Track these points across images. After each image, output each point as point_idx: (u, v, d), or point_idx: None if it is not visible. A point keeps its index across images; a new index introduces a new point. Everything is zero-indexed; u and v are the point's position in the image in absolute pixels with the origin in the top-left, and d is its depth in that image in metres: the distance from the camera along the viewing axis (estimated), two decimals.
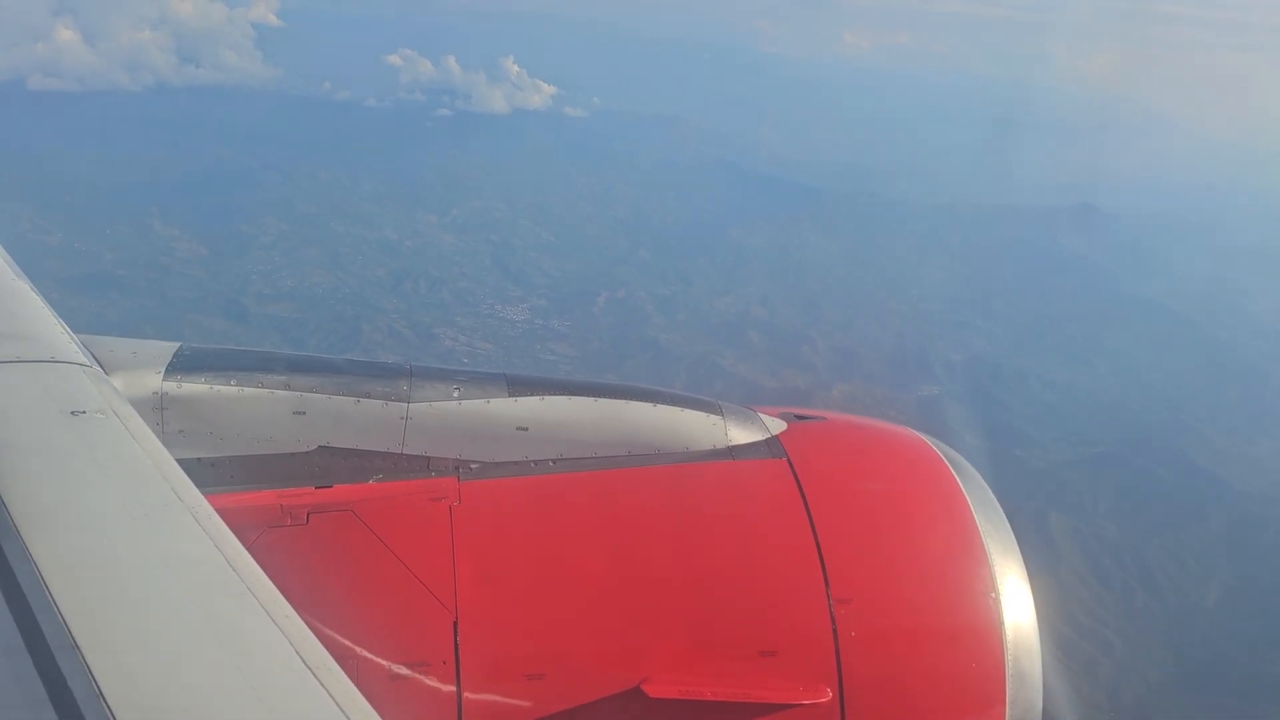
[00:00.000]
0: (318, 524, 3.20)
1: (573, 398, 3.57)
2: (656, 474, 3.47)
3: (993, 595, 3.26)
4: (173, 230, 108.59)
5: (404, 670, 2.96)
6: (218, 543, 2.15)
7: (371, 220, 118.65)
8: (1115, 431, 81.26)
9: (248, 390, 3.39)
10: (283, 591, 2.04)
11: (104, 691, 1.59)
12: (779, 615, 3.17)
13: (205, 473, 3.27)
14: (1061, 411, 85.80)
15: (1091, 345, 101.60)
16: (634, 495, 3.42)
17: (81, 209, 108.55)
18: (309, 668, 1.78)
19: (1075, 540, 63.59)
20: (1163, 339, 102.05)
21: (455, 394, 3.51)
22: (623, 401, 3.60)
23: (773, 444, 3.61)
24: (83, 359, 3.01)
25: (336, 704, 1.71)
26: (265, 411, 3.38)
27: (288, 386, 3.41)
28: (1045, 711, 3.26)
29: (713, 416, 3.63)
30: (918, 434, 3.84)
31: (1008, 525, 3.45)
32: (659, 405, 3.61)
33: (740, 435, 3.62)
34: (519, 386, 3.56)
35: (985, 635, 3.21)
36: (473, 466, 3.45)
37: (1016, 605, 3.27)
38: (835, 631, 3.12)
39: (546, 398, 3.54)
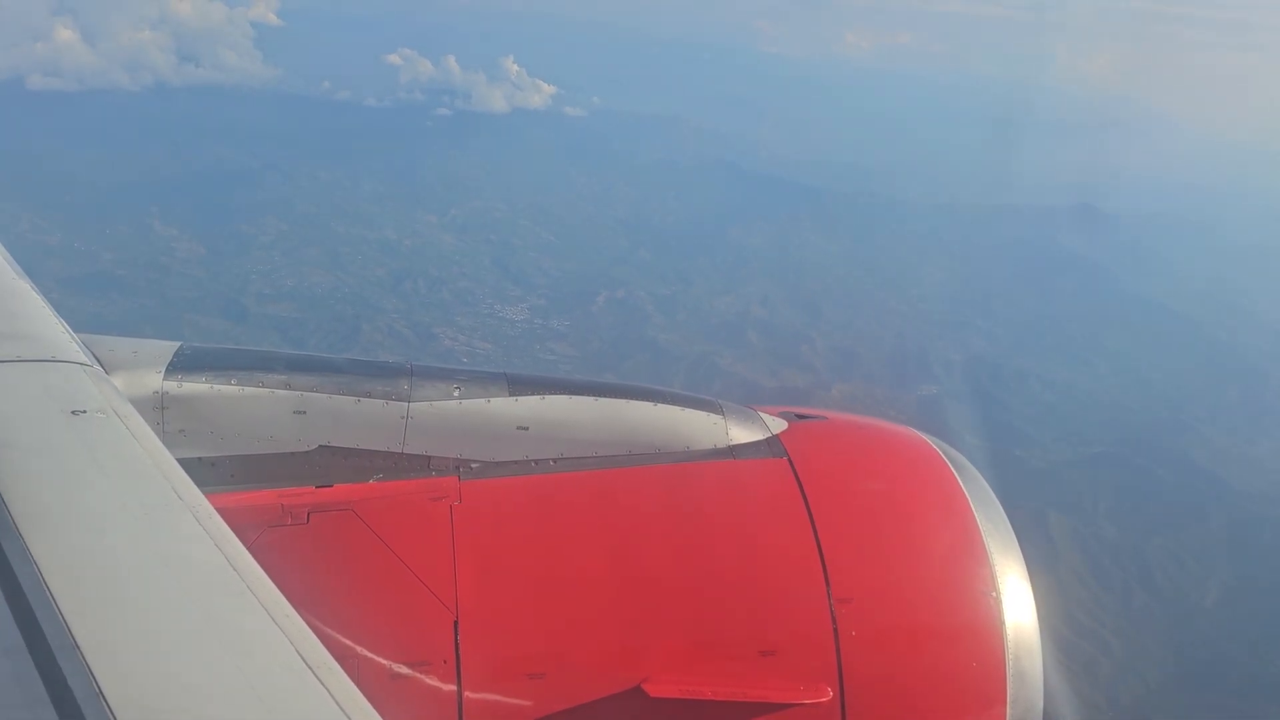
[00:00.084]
0: (318, 523, 3.20)
1: (573, 397, 3.56)
2: (657, 473, 3.47)
3: (993, 594, 3.26)
4: (172, 230, 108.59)
5: (405, 670, 2.96)
6: (218, 542, 2.14)
7: (371, 220, 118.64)
8: (1115, 431, 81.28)
9: (248, 390, 3.38)
10: (283, 591, 2.04)
11: (104, 691, 1.58)
12: (779, 614, 3.17)
13: (206, 472, 3.27)
14: (1061, 411, 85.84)
15: (1091, 345, 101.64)
16: (635, 495, 3.42)
17: (81, 209, 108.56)
18: (309, 667, 1.78)
19: (1075, 540, 63.62)
20: (1163, 339, 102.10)
21: (456, 393, 3.50)
22: (623, 401, 3.59)
23: (773, 443, 3.61)
24: (83, 358, 3.00)
25: (337, 704, 1.70)
26: (266, 411, 3.37)
27: (288, 386, 3.41)
28: (1046, 711, 3.26)
29: (713, 416, 3.63)
30: (918, 433, 3.83)
31: (1008, 524, 3.45)
32: (660, 405, 3.61)
33: (741, 435, 3.62)
34: (520, 386, 3.56)
35: (986, 634, 3.21)
36: (473, 466, 3.45)
37: (1017, 605, 3.27)
38: (836, 631, 3.12)
39: (547, 397, 3.54)
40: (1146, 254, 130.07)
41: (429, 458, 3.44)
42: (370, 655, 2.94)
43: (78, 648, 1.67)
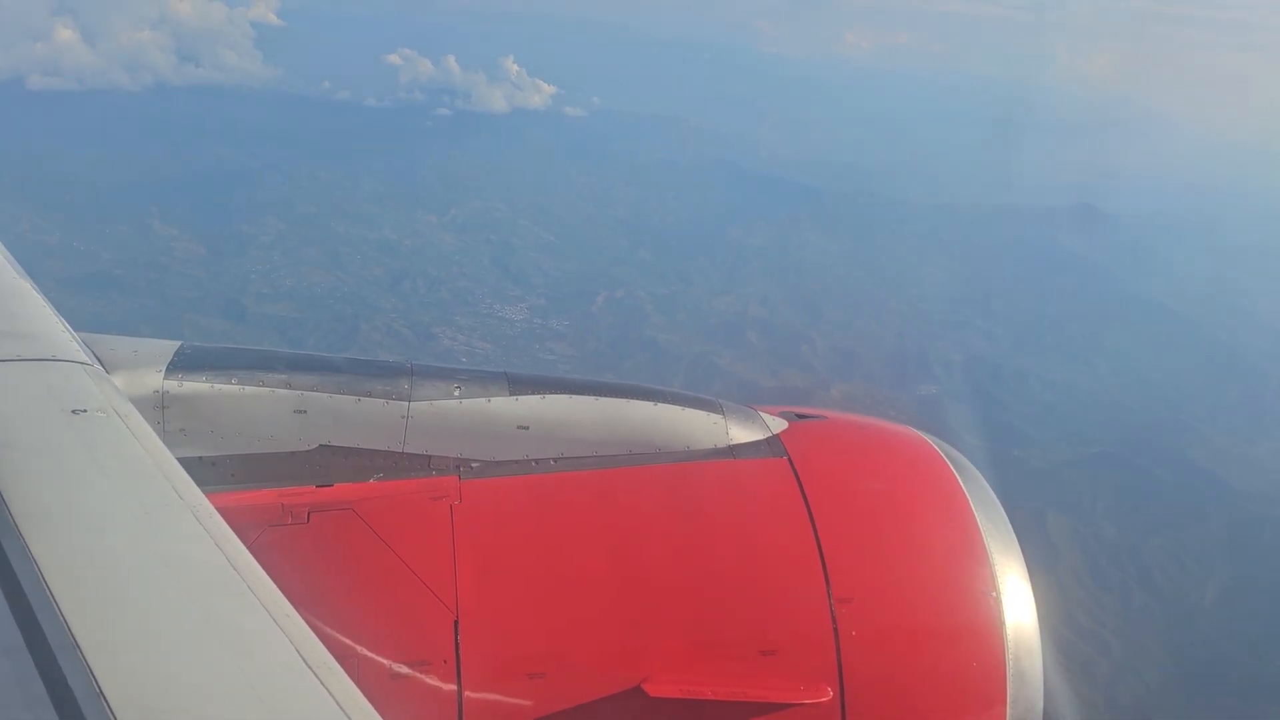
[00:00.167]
0: (319, 523, 3.20)
1: (574, 396, 3.56)
2: (657, 473, 3.47)
3: (994, 594, 3.25)
4: (172, 230, 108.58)
5: (405, 669, 2.95)
6: (218, 542, 2.14)
7: (371, 220, 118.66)
8: (1114, 431, 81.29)
9: (249, 389, 3.38)
10: (283, 590, 2.03)
11: (104, 691, 1.58)
12: (780, 614, 3.17)
13: (206, 471, 3.27)
14: (1061, 411, 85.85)
15: (1091, 345, 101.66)
16: (635, 494, 3.42)
17: (80, 208, 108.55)
18: (310, 667, 1.78)
19: (1074, 540, 63.62)
20: (1162, 339, 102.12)
21: (456, 393, 3.50)
22: (624, 400, 3.59)
23: (774, 443, 3.61)
24: (84, 358, 3.00)
25: (337, 703, 1.70)
26: (266, 410, 3.37)
27: (289, 385, 3.41)
28: (1046, 711, 3.26)
29: (714, 415, 3.63)
30: (919, 433, 3.83)
31: (1009, 524, 3.45)
32: (660, 404, 3.61)
33: (741, 434, 3.62)
34: (520, 385, 3.56)
35: (986, 634, 3.21)
36: (474, 465, 3.45)
37: (1017, 604, 3.26)
38: (836, 631, 3.11)
39: (547, 396, 3.54)
40: (1146, 254, 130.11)
41: (429, 457, 3.43)
42: (370, 655, 2.94)
43: (78, 647, 1.67)
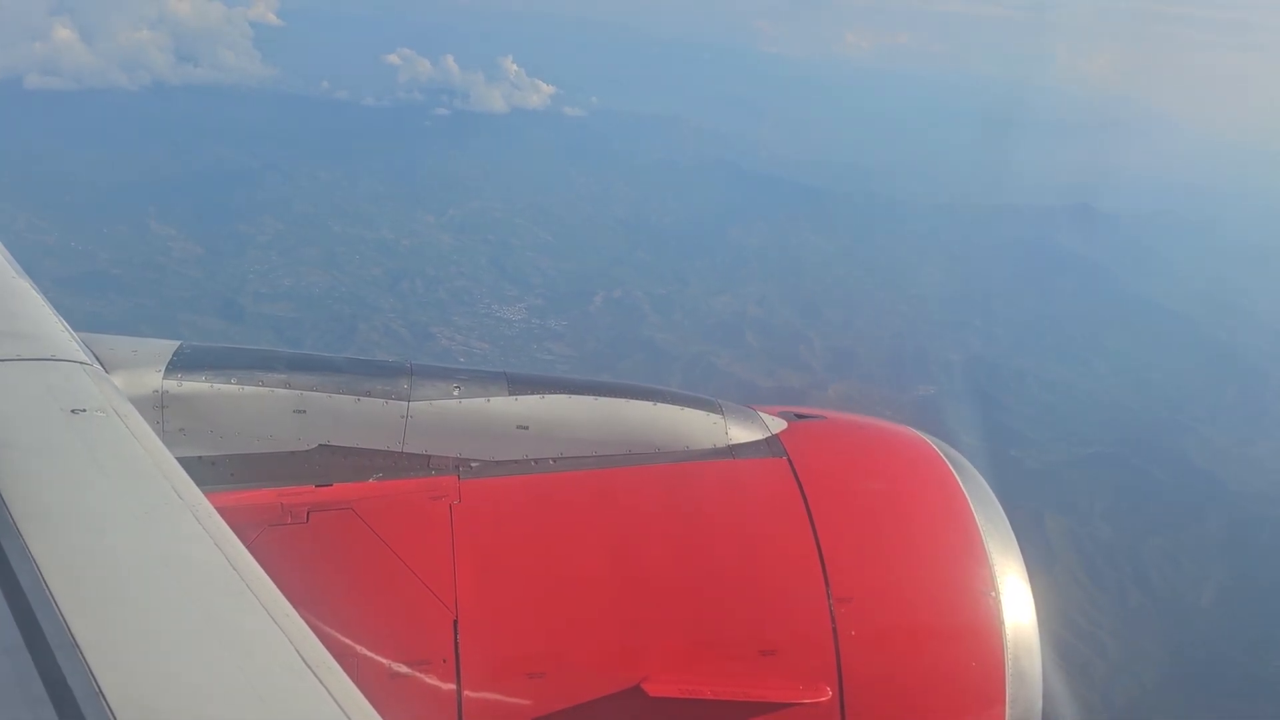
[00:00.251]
0: (318, 522, 3.19)
1: (573, 396, 3.56)
2: (657, 473, 3.47)
3: (993, 594, 3.26)
4: (169, 230, 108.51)
5: (404, 669, 2.95)
6: (218, 541, 2.14)
7: (369, 220, 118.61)
8: (1112, 432, 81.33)
9: (248, 389, 3.38)
10: (283, 590, 2.03)
11: (104, 690, 1.58)
12: (779, 614, 3.17)
13: (205, 471, 3.26)
14: (1058, 411, 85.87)
15: (1090, 345, 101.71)
16: (634, 494, 3.42)
17: (78, 208, 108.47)
18: (309, 667, 1.77)
19: (1071, 541, 63.63)
20: (1161, 339, 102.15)
21: (455, 392, 3.50)
22: (623, 400, 3.59)
23: (773, 443, 3.61)
24: (83, 357, 3.00)
25: (336, 703, 1.70)
26: (266, 410, 3.37)
27: (288, 385, 3.40)
28: (1045, 711, 3.26)
29: (713, 415, 3.63)
30: (918, 433, 3.83)
31: (1008, 524, 3.45)
32: (659, 404, 3.61)
33: (740, 434, 3.62)
34: (519, 385, 3.56)
35: (985, 634, 3.21)
36: (473, 465, 3.45)
37: (1016, 604, 3.27)
38: (835, 630, 3.12)
39: (547, 396, 3.54)
40: (1145, 254, 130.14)
41: (429, 457, 3.43)
42: (370, 654, 2.94)
43: (77, 647, 1.66)
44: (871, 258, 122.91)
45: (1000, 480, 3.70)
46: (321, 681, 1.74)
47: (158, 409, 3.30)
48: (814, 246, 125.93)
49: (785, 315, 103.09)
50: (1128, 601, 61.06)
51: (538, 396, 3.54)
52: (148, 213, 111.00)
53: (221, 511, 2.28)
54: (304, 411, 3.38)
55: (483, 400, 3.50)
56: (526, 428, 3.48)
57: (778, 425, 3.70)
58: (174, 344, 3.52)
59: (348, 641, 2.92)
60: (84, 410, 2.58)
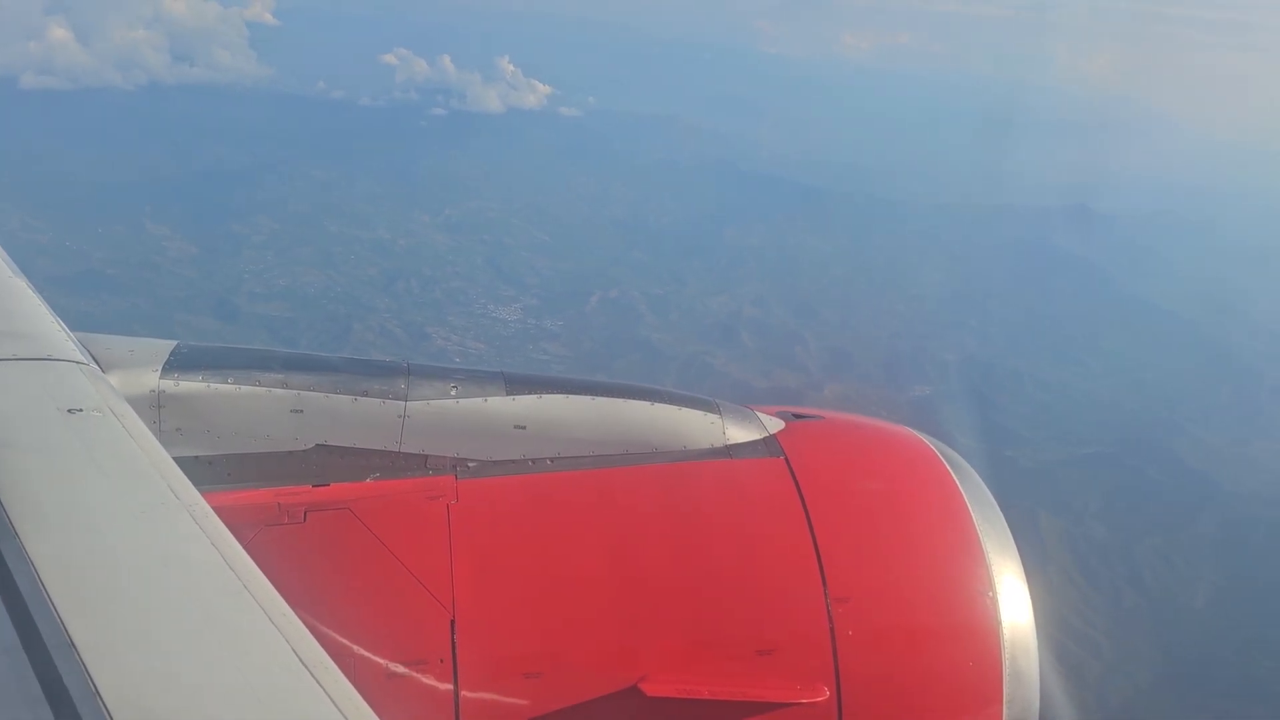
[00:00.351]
0: (315, 522, 3.19)
1: (570, 396, 3.56)
2: (654, 472, 3.47)
3: (990, 594, 3.26)
4: (164, 229, 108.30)
5: (401, 669, 2.95)
6: (215, 541, 2.14)
7: (365, 220, 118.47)
8: (1107, 432, 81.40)
9: (245, 388, 3.37)
10: (280, 590, 2.03)
11: (101, 690, 1.58)
12: (776, 614, 3.17)
13: (202, 471, 3.26)
14: (1054, 412, 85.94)
15: (1085, 345, 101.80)
16: (632, 494, 3.42)
17: (73, 207, 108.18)
18: (306, 667, 1.77)
19: (1065, 541, 63.71)
20: (1157, 339, 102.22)
21: (453, 392, 3.50)
22: (620, 400, 3.59)
23: (770, 443, 3.61)
24: (80, 357, 3.00)
25: (333, 703, 1.70)
26: (263, 410, 3.37)
27: (285, 385, 3.40)
28: (1042, 711, 3.27)
29: (710, 415, 3.63)
30: (915, 433, 3.83)
31: (1005, 524, 3.45)
32: (657, 404, 3.61)
33: (738, 434, 3.61)
34: (517, 385, 3.56)
35: (982, 634, 3.22)
36: (470, 465, 3.44)
37: (1014, 604, 3.27)
38: (833, 630, 3.12)
39: (544, 396, 3.54)
40: (1142, 254, 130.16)
41: (426, 457, 3.43)
42: (367, 654, 2.94)
43: (74, 647, 1.67)
44: (869, 258, 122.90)
45: (995, 480, 3.70)
46: (318, 681, 1.74)
47: (154, 409, 3.30)
48: (811, 247, 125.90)
49: (782, 316, 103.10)
50: (1122, 601, 61.14)
51: (535, 396, 3.54)
52: (143, 212, 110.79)
53: (218, 511, 2.28)
54: (301, 411, 3.38)
55: (480, 400, 3.49)
56: (524, 428, 3.48)
57: (775, 425, 3.70)
58: (170, 344, 3.52)
59: (345, 641, 2.91)
60: (81, 410, 2.58)
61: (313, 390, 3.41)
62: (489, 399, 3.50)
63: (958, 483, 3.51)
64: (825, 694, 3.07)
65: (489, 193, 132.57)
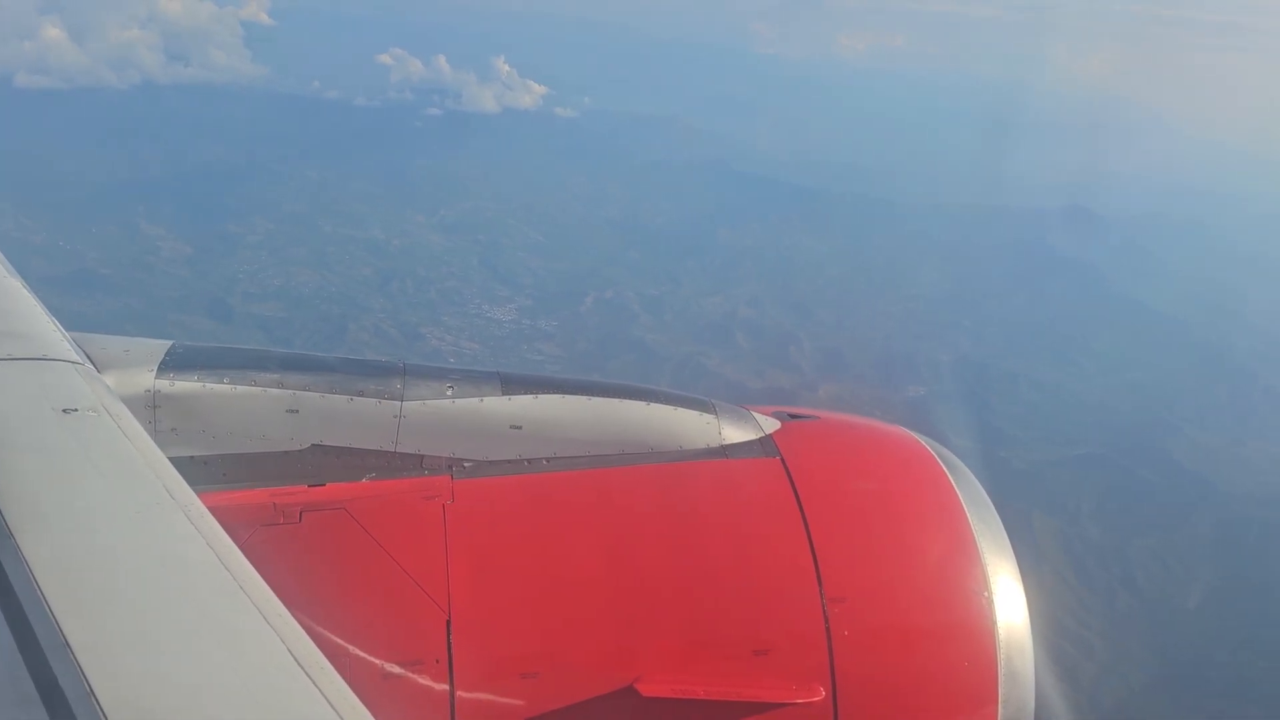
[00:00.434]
0: (311, 522, 3.18)
1: (566, 396, 3.56)
2: (650, 472, 3.46)
3: (986, 594, 3.26)
4: (158, 229, 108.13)
5: (397, 669, 2.95)
6: (210, 541, 2.13)
7: (359, 220, 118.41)
8: (1101, 433, 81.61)
9: (240, 388, 3.36)
10: (276, 590, 2.02)
11: (95, 691, 1.57)
12: (772, 614, 3.17)
13: (198, 471, 3.25)
14: (1048, 412, 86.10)
15: (1080, 346, 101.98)
16: (628, 494, 3.41)
17: (67, 207, 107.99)
18: (302, 667, 1.77)
19: (1059, 541, 63.85)
20: (1151, 340, 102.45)
21: (449, 392, 3.49)
22: (616, 400, 3.59)
23: (766, 443, 3.60)
24: (75, 357, 2.99)
25: (329, 703, 1.69)
26: (258, 409, 3.36)
27: (281, 385, 3.39)
28: (1037, 711, 3.27)
29: (706, 415, 3.63)
30: (911, 433, 3.83)
31: (1001, 525, 3.46)
32: (653, 404, 3.61)
33: (734, 434, 3.61)
34: (512, 385, 3.55)
35: (978, 634, 3.22)
36: (466, 465, 3.44)
37: (1009, 604, 3.27)
38: (828, 630, 3.12)
39: (540, 396, 3.53)
40: (1138, 255, 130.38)
41: (422, 457, 3.43)
42: (363, 655, 2.93)
43: (69, 647, 1.66)
44: (864, 259, 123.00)
45: (989, 481, 3.70)
46: (314, 682, 1.73)
47: (150, 409, 3.29)
48: (806, 247, 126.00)
49: (777, 316, 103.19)
50: (1115, 602, 61.28)
51: (531, 396, 3.53)
52: (137, 212, 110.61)
53: (214, 511, 2.27)
54: (297, 411, 3.37)
55: (476, 400, 3.49)
56: (520, 428, 3.48)
57: (771, 425, 3.70)
58: (166, 344, 3.51)
59: (341, 642, 2.91)
60: (76, 410, 2.57)
61: (308, 390, 3.40)
62: (485, 399, 3.50)
63: (953, 483, 3.51)
64: (821, 694, 3.07)
65: (484, 193, 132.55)
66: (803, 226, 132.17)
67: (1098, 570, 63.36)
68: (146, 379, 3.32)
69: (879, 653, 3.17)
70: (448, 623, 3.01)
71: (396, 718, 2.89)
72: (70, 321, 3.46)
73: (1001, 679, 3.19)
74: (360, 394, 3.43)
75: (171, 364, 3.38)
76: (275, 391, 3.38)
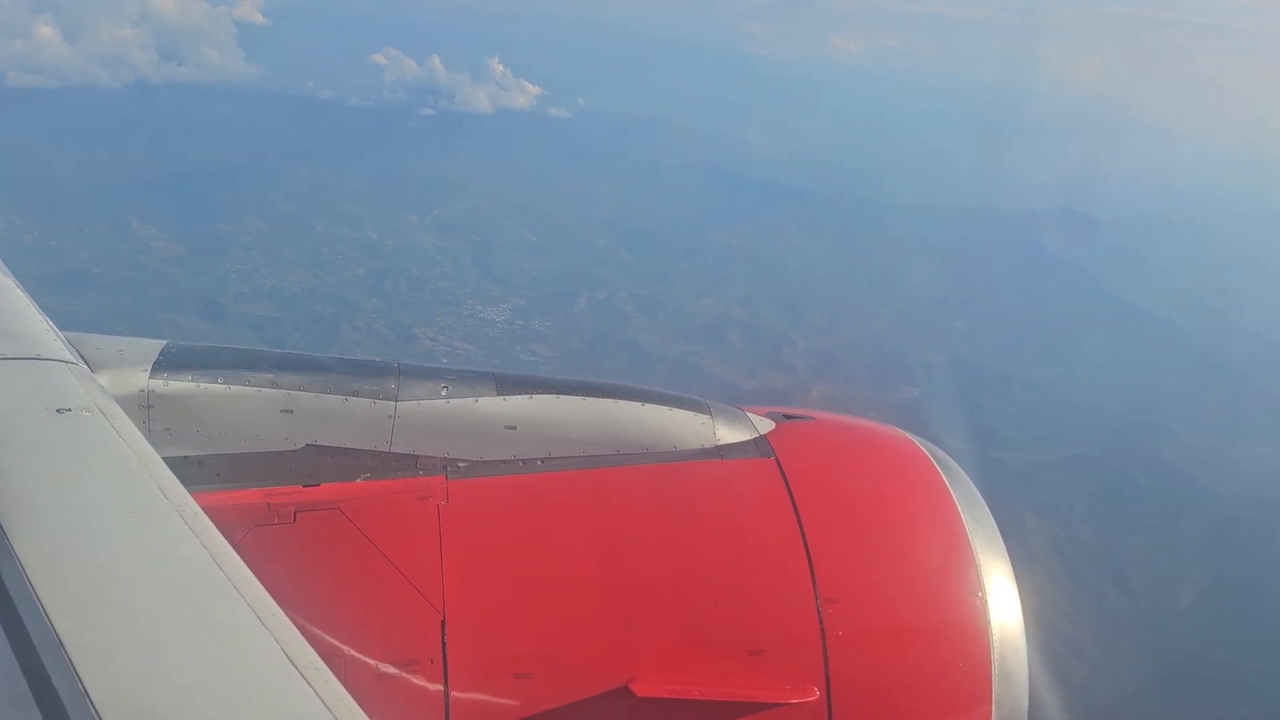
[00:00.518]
0: (305, 523, 3.18)
1: (561, 396, 3.56)
2: (645, 473, 3.47)
3: (979, 595, 3.27)
4: (150, 229, 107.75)
5: (391, 669, 2.94)
6: (204, 542, 2.12)
7: (353, 220, 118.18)
8: (1093, 434, 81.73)
9: (235, 388, 3.36)
10: (270, 590, 2.02)
11: (89, 691, 1.57)
12: (767, 614, 3.17)
13: (192, 471, 3.24)
14: (1040, 413, 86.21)
15: (1072, 348, 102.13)
16: (622, 494, 3.41)
17: (59, 206, 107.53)
18: (296, 667, 1.76)
19: (1050, 542, 63.93)
20: (1145, 342, 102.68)
21: (443, 392, 3.49)
22: (611, 400, 3.59)
23: (761, 443, 3.61)
24: (69, 356, 2.98)
25: (324, 703, 1.69)
26: (253, 409, 3.35)
27: (275, 384, 3.39)
28: (1031, 712, 3.28)
29: (701, 416, 3.63)
30: (905, 434, 3.84)
31: (995, 525, 3.46)
32: (648, 404, 3.61)
33: (728, 434, 3.62)
34: (507, 385, 3.55)
35: (972, 635, 3.22)
36: (461, 465, 3.44)
37: (1003, 605, 3.28)
38: (823, 631, 3.12)
39: (535, 396, 3.53)
40: (1130, 258, 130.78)
41: (416, 457, 3.42)
42: (357, 655, 2.93)
43: (63, 647, 1.65)
44: (857, 259, 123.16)
45: (982, 481, 3.71)
46: (308, 682, 1.72)
47: (144, 408, 3.28)
48: (799, 248, 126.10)
49: (770, 317, 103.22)
50: (1107, 603, 61.35)
51: (526, 396, 3.53)
52: (129, 211, 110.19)
53: (208, 511, 2.26)
54: (291, 411, 3.37)
55: (470, 400, 3.49)
56: (514, 428, 3.48)
57: (765, 426, 3.71)
58: (160, 343, 3.50)
59: (335, 642, 2.90)
60: (69, 410, 2.56)
61: (303, 390, 3.39)
62: (480, 399, 3.49)
63: (947, 483, 3.52)
64: (815, 694, 3.07)
65: (478, 193, 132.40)
66: (796, 227, 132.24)
67: (1090, 571, 63.43)
68: (140, 379, 3.31)
69: (873, 653, 3.17)
70: (442, 623, 3.01)
71: (391, 718, 2.89)
72: (62, 321, 3.45)
73: (995, 680, 3.20)
74: (355, 394, 3.43)
75: (165, 364, 3.37)
76: (270, 391, 3.37)
